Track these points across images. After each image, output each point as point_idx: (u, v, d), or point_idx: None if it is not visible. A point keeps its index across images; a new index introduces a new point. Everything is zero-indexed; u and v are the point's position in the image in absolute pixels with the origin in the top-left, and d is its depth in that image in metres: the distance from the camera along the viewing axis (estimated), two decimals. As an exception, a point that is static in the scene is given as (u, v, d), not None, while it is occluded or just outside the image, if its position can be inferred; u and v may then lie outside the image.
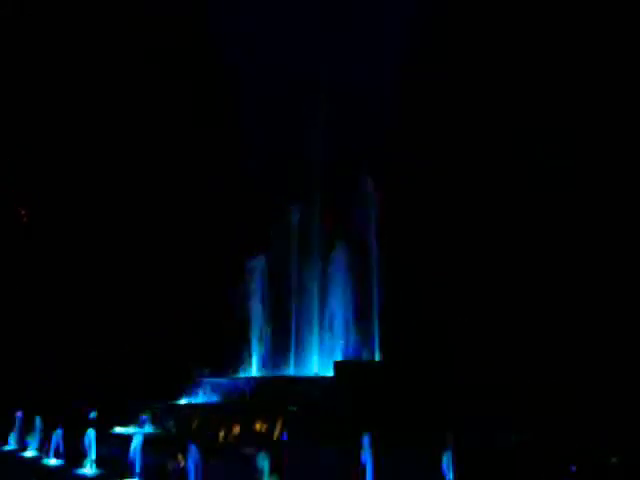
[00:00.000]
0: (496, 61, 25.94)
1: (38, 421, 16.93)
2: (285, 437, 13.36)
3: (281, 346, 20.36)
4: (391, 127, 26.41)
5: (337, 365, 17.02)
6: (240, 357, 20.28)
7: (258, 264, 21.10)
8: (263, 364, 20.27)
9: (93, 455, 14.26)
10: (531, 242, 23.68)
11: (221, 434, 14.35)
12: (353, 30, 28.72)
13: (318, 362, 19.90)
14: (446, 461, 12.02)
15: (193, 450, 11.27)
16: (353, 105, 24.98)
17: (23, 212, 28.65)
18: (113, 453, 14.69)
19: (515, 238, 23.90)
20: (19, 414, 17.71)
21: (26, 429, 17.42)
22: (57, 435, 15.69)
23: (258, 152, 26.83)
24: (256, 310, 20.88)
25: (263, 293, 20.81)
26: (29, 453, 16.62)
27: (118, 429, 17.14)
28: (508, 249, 23.90)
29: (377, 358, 19.27)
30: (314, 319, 20.32)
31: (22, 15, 28.16)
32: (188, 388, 18.85)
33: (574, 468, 13.36)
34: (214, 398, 17.82)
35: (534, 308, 22.64)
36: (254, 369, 20.19)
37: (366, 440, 11.60)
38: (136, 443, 12.88)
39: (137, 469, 12.68)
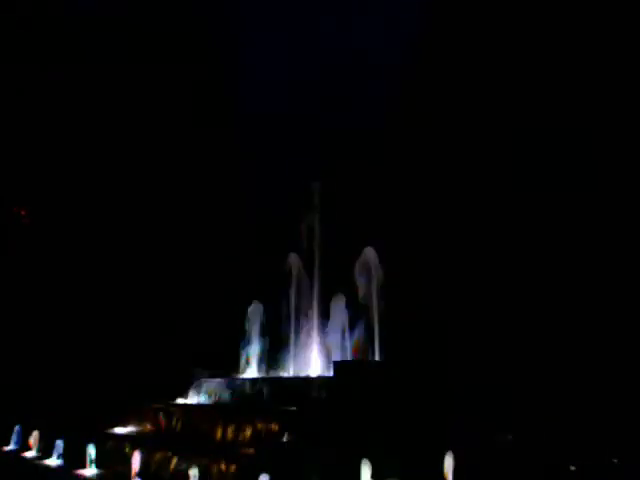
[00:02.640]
0: (495, 66, 25.93)
1: (38, 421, 16.98)
2: (285, 437, 13.36)
3: (281, 346, 20.35)
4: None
5: (337, 365, 16.99)
6: (240, 358, 20.27)
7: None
8: (262, 364, 20.24)
9: (93, 455, 14.31)
10: (531, 246, 23.69)
11: (220, 435, 14.36)
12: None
13: (318, 362, 19.88)
14: (446, 462, 12.08)
15: (192, 450, 11.31)
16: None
17: (23, 213, 28.64)
18: (113, 453, 14.75)
19: (515, 239, 23.92)
20: (19, 416, 17.77)
21: (27, 429, 17.46)
22: (57, 435, 15.74)
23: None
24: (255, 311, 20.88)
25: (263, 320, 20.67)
26: (29, 453, 16.65)
27: (118, 429, 17.16)
28: (509, 251, 23.93)
29: (377, 358, 19.23)
30: (314, 319, 20.30)
31: (21, 14, 28.20)
32: (187, 388, 18.85)
33: (574, 468, 13.38)
34: (213, 398, 17.82)
35: (534, 308, 22.65)
36: (253, 369, 20.18)
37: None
38: (136, 443, 12.92)
39: (137, 469, 12.72)
